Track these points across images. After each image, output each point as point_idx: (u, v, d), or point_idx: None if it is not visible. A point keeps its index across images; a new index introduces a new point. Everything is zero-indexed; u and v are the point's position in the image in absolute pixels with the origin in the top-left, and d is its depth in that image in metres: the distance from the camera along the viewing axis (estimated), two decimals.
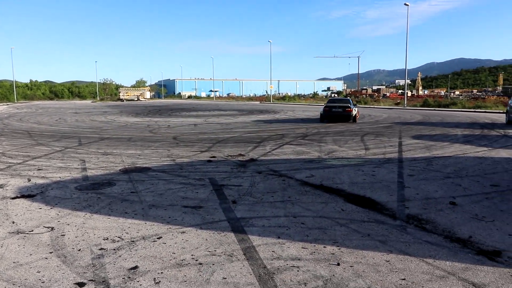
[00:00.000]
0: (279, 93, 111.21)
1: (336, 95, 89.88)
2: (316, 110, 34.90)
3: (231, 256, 3.65)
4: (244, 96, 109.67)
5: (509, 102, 19.31)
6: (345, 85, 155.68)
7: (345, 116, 19.91)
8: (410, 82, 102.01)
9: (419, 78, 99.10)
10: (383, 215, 4.87)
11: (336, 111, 20.08)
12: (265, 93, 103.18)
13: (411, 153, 9.75)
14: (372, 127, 17.43)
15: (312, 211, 5.00)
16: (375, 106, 41.80)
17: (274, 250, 3.76)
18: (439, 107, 35.95)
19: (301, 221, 4.63)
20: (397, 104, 44.05)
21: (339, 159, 9.01)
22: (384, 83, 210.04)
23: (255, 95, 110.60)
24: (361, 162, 8.54)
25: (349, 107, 20.00)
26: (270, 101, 66.02)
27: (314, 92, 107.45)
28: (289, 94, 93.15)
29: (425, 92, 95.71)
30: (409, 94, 67.47)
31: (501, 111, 26.78)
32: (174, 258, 3.61)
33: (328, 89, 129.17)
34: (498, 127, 16.38)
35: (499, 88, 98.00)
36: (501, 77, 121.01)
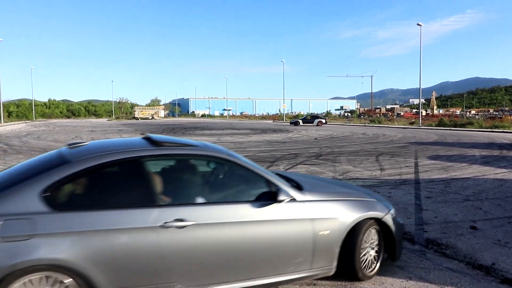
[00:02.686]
0: (292, 112, 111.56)
1: (349, 114, 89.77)
2: (329, 129, 34.83)
3: None
4: (257, 115, 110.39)
5: None
6: (358, 104, 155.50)
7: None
8: (424, 101, 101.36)
9: (434, 97, 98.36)
10: None
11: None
12: (278, 112, 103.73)
13: (428, 174, 9.56)
14: (386, 147, 17.24)
15: None
16: (389, 126, 41.50)
17: None
18: (455, 127, 35.46)
19: None
20: (411, 123, 43.65)
21: (354, 179, 8.89)
22: (397, 102, 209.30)
23: (268, 114, 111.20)
24: (376, 183, 8.40)
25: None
26: (283, 120, 66.21)
27: (327, 111, 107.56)
28: (302, 113, 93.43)
29: (440, 112, 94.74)
30: (424, 113, 66.88)
31: None
32: None
33: (341, 108, 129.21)
34: None
35: None
36: None
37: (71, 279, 2.60)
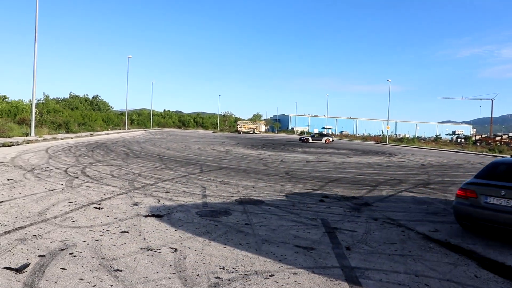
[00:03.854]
0: (396, 134, 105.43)
1: (463, 140, 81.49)
2: (438, 155, 31.97)
3: None
4: (357, 135, 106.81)
5: None
6: (474, 129, 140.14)
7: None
8: None
9: None
10: None
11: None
12: (380, 133, 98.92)
13: None
14: None
15: (438, 273, 4.46)
16: None
17: None
18: None
19: (424, 281, 4.16)
20: None
21: None
22: None
23: (370, 134, 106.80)
24: None
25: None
26: (386, 142, 62.91)
27: (436, 135, 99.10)
28: (407, 135, 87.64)
29: None
30: None
31: None
32: None
33: (454, 133, 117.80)
34: None
35: None
36: None
37: None
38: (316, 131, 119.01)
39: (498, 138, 78.11)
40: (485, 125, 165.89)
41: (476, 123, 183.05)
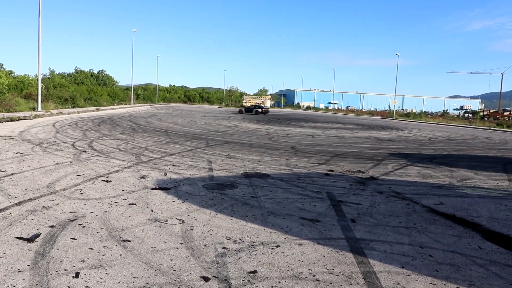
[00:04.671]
0: (403, 109, 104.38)
1: (470, 115, 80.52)
2: (445, 130, 31.73)
3: (350, 278, 3.49)
4: (363, 110, 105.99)
5: None
6: (483, 104, 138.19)
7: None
8: None
9: None
10: None
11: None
12: (387, 108, 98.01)
13: None
14: None
15: (442, 244, 4.50)
16: None
17: (398, 281, 3.48)
18: None
19: (428, 253, 4.20)
20: None
21: (475, 188, 7.98)
22: None
23: (376, 109, 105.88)
24: (503, 195, 7.41)
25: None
26: (392, 117, 62.42)
27: (444, 110, 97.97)
28: (414, 110, 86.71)
29: None
30: None
31: None
32: (292, 269, 3.62)
33: (461, 107, 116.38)
34: None
35: None
36: None
37: None
38: (322, 106, 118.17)
39: (506, 113, 77.06)
40: (494, 99, 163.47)
41: (485, 97, 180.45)
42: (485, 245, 4.54)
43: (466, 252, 4.28)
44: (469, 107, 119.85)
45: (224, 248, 4.06)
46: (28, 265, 3.45)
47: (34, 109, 28.22)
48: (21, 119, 20.26)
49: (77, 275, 3.31)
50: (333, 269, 3.65)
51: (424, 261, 3.98)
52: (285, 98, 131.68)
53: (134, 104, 67.87)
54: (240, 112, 51.59)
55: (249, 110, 51.66)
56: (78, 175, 7.32)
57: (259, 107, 52.75)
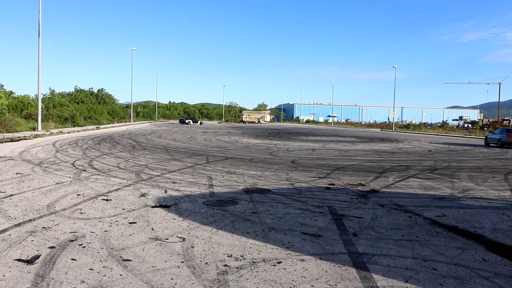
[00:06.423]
0: (402, 121, 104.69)
1: (470, 125, 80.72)
2: (445, 140, 31.73)
3: None
4: (363, 123, 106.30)
5: None
6: (481, 114, 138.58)
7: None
8: None
9: None
10: None
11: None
12: (386, 120, 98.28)
13: None
14: None
15: (446, 257, 4.46)
16: None
17: None
18: None
19: (432, 266, 4.16)
20: None
21: (477, 199, 7.94)
22: None
23: (375, 122, 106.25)
24: (506, 205, 7.37)
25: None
26: (392, 129, 62.57)
27: (443, 121, 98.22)
28: (413, 122, 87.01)
29: None
30: None
31: None
32: (294, 286, 3.58)
33: (460, 118, 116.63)
34: None
35: None
36: None
37: None
38: (321, 119, 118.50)
39: (505, 122, 77.21)
40: (493, 109, 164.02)
41: (483, 107, 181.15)
42: (489, 257, 4.49)
43: (470, 265, 4.23)
44: (468, 117, 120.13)
45: (225, 265, 4.02)
46: None
47: (34, 129, 28.31)
48: (21, 139, 20.31)
49: None
50: (336, 285, 3.61)
51: (428, 274, 3.93)
52: (285, 112, 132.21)
53: (134, 121, 68.12)
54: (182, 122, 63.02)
55: (182, 121, 63.27)
56: (78, 195, 7.30)
57: (191, 118, 65.05)
